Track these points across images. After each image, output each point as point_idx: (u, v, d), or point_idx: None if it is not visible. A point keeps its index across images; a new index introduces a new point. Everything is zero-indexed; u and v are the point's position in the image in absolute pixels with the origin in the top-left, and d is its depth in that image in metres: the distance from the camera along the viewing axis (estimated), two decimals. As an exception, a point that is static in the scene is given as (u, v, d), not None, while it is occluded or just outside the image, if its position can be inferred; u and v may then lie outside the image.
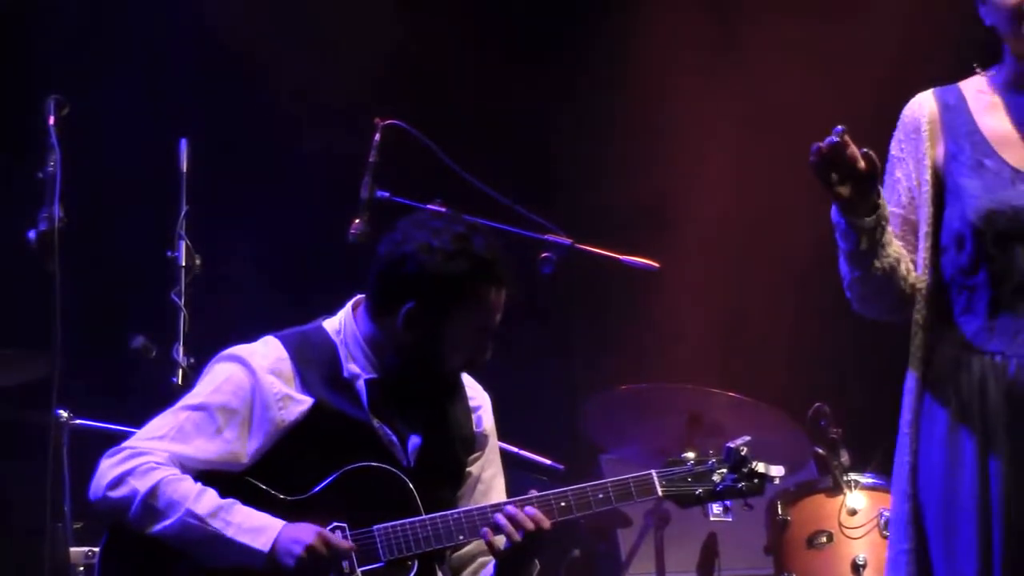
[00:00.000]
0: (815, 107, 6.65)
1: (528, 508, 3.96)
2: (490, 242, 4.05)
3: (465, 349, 4.05)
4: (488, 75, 7.29)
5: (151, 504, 3.91)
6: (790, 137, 6.88)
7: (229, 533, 3.89)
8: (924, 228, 3.70)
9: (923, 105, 3.75)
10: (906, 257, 3.71)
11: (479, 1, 7.40)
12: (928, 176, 3.69)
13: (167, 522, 3.91)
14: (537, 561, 4.09)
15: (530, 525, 3.94)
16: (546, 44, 7.37)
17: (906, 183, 3.72)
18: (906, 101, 3.83)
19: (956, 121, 3.70)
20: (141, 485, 3.92)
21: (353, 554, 3.94)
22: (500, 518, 3.94)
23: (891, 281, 3.67)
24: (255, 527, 3.89)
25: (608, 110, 7.32)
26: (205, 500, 3.91)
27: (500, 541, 3.97)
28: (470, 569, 4.18)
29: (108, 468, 3.98)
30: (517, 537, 3.93)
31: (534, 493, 4.00)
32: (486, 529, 3.96)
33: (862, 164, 3.53)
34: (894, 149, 3.75)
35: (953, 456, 3.60)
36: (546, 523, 3.95)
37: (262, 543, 3.87)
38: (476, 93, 7.26)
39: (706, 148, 7.20)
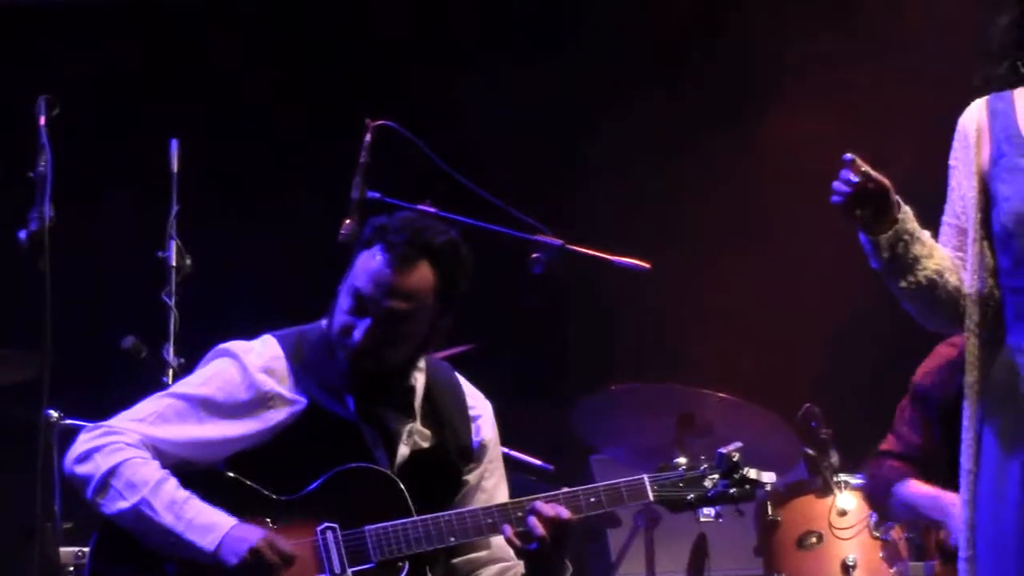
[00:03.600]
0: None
1: (553, 504, 3.95)
2: (413, 227, 3.99)
3: (345, 304, 3.99)
4: (483, 74, 7.31)
5: (110, 483, 3.93)
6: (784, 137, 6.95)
7: (179, 529, 3.88)
8: (971, 235, 3.66)
9: (973, 113, 3.70)
10: (955, 268, 3.65)
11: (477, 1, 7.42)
12: (975, 183, 3.63)
13: (122, 505, 3.92)
14: (568, 563, 4.07)
15: (563, 515, 3.93)
16: (542, 44, 7.37)
17: (958, 192, 3.68)
18: None
19: (1001, 126, 3.64)
20: (104, 463, 3.94)
21: (344, 553, 3.94)
22: (532, 519, 3.92)
23: (934, 293, 3.61)
24: (205, 524, 3.89)
25: (604, 112, 7.33)
26: (163, 491, 3.91)
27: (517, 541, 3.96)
28: (490, 573, 4.18)
29: (81, 443, 4.01)
30: (548, 534, 3.91)
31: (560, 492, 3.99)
32: (507, 526, 3.96)
33: (871, 185, 3.52)
34: (951, 159, 3.70)
35: (1002, 466, 3.56)
36: (566, 514, 3.93)
37: (208, 542, 3.87)
38: (469, 93, 7.28)
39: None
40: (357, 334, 3.98)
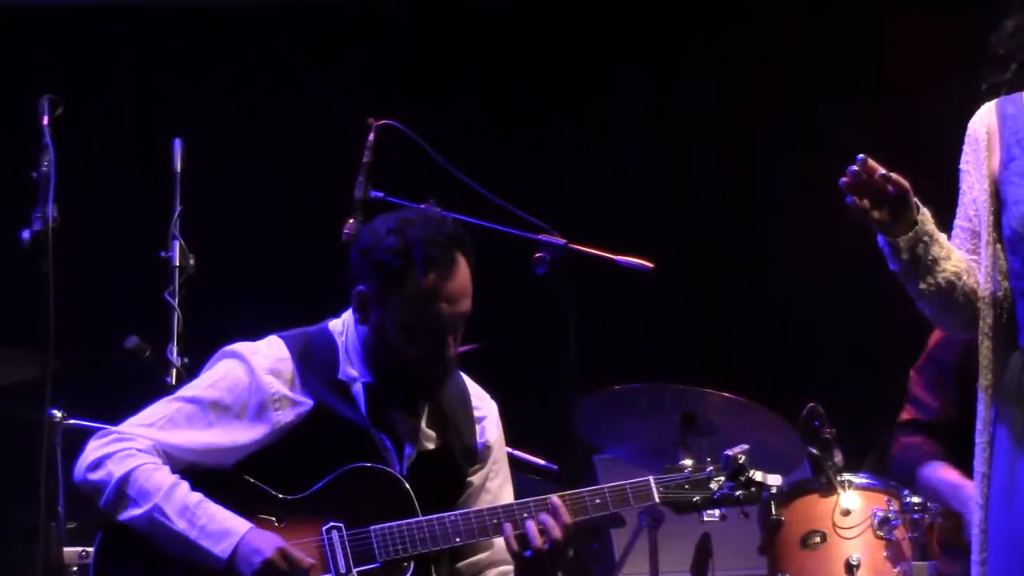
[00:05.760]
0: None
1: (557, 515, 3.94)
2: (434, 229, 3.98)
3: (414, 336, 3.98)
4: (487, 76, 7.31)
5: (123, 491, 3.93)
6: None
7: (192, 535, 3.90)
8: (984, 237, 3.66)
9: (983, 116, 3.70)
10: (971, 271, 3.66)
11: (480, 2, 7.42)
12: (987, 186, 3.64)
13: (136, 512, 3.93)
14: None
15: (557, 533, 3.94)
16: (545, 44, 7.37)
17: (970, 195, 3.68)
18: None
19: (1012, 129, 3.65)
20: (117, 470, 3.95)
21: (349, 553, 3.95)
22: (531, 527, 3.93)
23: (952, 295, 3.61)
24: (218, 531, 3.90)
25: (606, 112, 7.34)
26: (175, 496, 3.92)
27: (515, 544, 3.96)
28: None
29: (92, 450, 4.01)
30: (544, 545, 3.93)
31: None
32: (508, 525, 3.96)
33: (891, 188, 3.52)
34: (961, 163, 3.71)
35: (1014, 467, 3.55)
36: (568, 518, 3.95)
37: (221, 549, 3.88)
38: (473, 94, 7.28)
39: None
40: (448, 352, 3.99)
